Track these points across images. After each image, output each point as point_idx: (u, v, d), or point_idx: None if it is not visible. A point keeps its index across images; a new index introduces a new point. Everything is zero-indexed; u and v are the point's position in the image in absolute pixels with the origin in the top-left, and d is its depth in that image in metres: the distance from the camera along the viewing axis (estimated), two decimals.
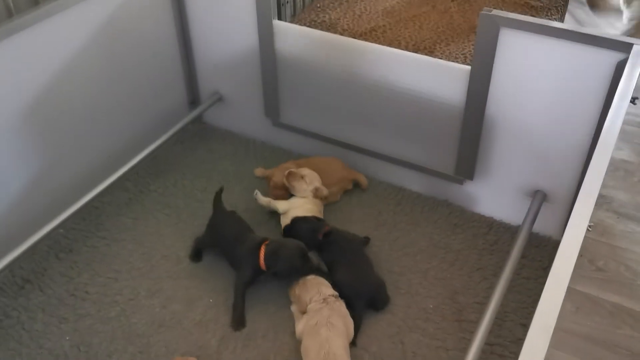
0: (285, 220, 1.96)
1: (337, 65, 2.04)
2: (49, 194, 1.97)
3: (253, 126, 2.43)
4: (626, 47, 1.56)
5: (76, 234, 2.01)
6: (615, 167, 2.39)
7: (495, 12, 1.69)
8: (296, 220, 1.90)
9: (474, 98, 1.83)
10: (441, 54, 2.30)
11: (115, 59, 2.09)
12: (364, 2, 2.72)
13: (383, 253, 1.91)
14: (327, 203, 2.10)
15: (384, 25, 2.51)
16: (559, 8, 2.77)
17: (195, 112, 2.38)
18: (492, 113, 1.85)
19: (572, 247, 1.04)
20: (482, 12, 1.69)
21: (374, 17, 2.59)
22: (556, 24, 1.65)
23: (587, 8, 3.66)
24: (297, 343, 1.65)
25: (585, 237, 1.09)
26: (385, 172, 2.20)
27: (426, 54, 2.25)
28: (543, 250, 1.93)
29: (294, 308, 1.74)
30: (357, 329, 1.68)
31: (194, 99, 2.50)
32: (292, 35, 2.09)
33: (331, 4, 2.71)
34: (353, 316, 1.69)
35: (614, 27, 3.40)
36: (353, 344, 1.64)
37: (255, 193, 2.03)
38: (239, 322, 1.72)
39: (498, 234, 1.99)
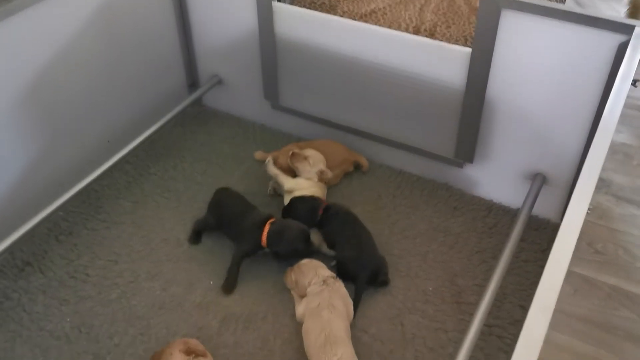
0: (288, 199, 1.96)
1: (336, 47, 2.03)
2: (48, 177, 1.97)
3: (252, 109, 2.42)
4: (628, 29, 1.55)
5: (76, 217, 2.01)
6: (614, 150, 2.39)
7: None
8: (294, 200, 1.90)
9: (475, 80, 1.83)
10: (442, 36, 2.28)
11: (113, 42, 2.07)
12: None
13: (382, 236, 1.91)
14: (328, 186, 2.10)
15: (384, 7, 2.49)
16: None
17: (194, 95, 2.37)
18: (492, 96, 1.84)
19: (572, 230, 1.04)
20: None
21: None
22: (557, 6, 1.64)
23: None
24: (297, 325, 1.67)
25: (584, 220, 1.09)
26: (385, 155, 2.20)
27: (426, 36, 2.23)
28: (542, 233, 1.94)
29: (295, 294, 1.75)
30: (357, 303, 1.69)
31: (193, 82, 2.49)
32: (291, 17, 2.07)
33: None
34: (356, 290, 1.70)
35: (615, 9, 3.38)
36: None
37: (267, 160, 2.03)
38: (229, 286, 1.76)
39: (497, 216, 2.00)
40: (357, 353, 1.55)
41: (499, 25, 1.70)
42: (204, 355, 1.51)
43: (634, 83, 1.53)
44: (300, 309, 1.67)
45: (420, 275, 1.82)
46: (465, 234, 1.94)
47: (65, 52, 1.91)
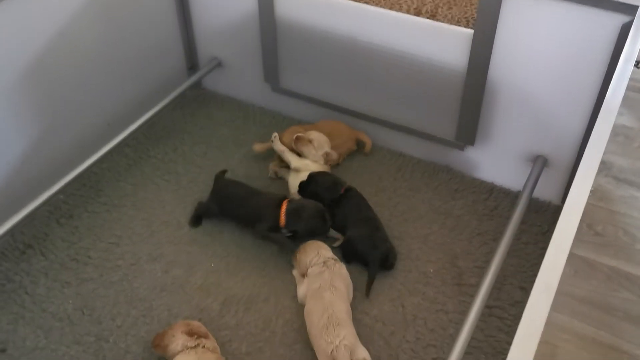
0: (295, 180, 1.95)
1: (337, 29, 2.01)
2: (48, 160, 1.96)
3: (252, 92, 2.41)
4: (631, 10, 1.53)
5: (76, 200, 2.01)
6: (615, 132, 2.38)
7: None
8: (313, 175, 1.90)
9: (477, 62, 1.82)
10: (443, 17, 2.27)
11: (112, 24, 2.06)
12: None
13: (383, 219, 1.91)
14: (331, 165, 2.10)
15: None
16: None
17: (194, 78, 2.36)
18: (494, 77, 1.84)
19: (575, 211, 1.04)
20: None
21: None
22: None
23: None
24: (299, 306, 1.67)
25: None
26: (386, 138, 2.19)
27: (428, 18, 2.22)
28: (542, 216, 1.94)
29: (295, 272, 1.76)
30: (370, 283, 1.71)
31: (192, 65, 2.47)
32: None
33: None
34: (370, 271, 1.72)
35: None
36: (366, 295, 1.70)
37: (273, 136, 2.03)
38: (285, 244, 1.78)
39: (498, 199, 2.00)
40: (359, 334, 1.56)
41: (501, 7, 1.69)
42: (206, 337, 1.52)
43: (636, 64, 1.52)
44: (301, 290, 1.68)
45: (421, 257, 1.82)
46: (466, 216, 1.95)
47: (64, 34, 1.89)
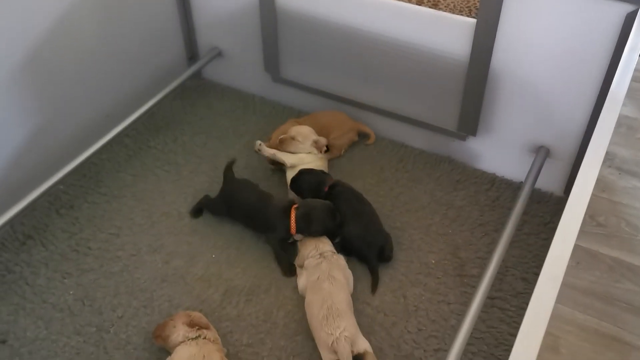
0: (292, 175, 1.94)
1: (338, 18, 1.99)
2: (47, 151, 1.95)
3: (253, 82, 2.39)
4: None
5: (76, 191, 2.00)
6: (618, 123, 2.37)
7: None
8: (302, 172, 1.89)
9: (479, 52, 1.80)
10: (445, 6, 2.25)
11: (111, 14, 2.04)
12: None
13: (385, 209, 1.91)
14: (331, 158, 2.09)
15: None
16: None
17: (194, 68, 2.34)
18: (497, 67, 1.82)
19: (580, 203, 1.03)
20: None
21: None
22: None
23: None
24: (300, 297, 1.67)
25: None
26: (387, 129, 2.18)
27: (430, 7, 2.20)
28: (544, 206, 1.93)
29: (296, 265, 1.75)
30: (376, 281, 1.70)
31: (192, 54, 2.46)
32: None
33: None
34: (370, 269, 1.72)
35: None
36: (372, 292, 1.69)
37: (258, 144, 1.98)
38: (287, 270, 1.74)
39: (500, 190, 1.99)
40: (360, 325, 1.56)
41: None
42: (207, 328, 1.51)
43: None
44: (301, 282, 1.68)
45: (422, 248, 1.81)
46: (468, 207, 1.94)
47: (62, 24, 1.87)
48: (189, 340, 1.46)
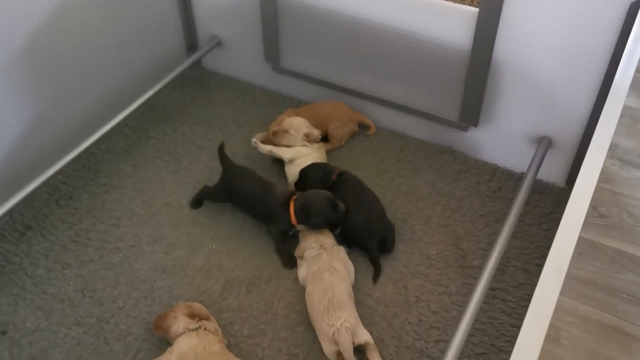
0: (291, 169, 1.93)
1: (339, 7, 1.97)
2: (46, 141, 1.94)
3: (253, 71, 2.37)
4: None
5: (76, 181, 1.99)
6: (620, 113, 2.35)
7: None
8: (307, 167, 1.87)
9: (481, 41, 1.79)
10: None
11: (110, 2, 2.02)
12: None
13: (386, 200, 1.90)
14: (331, 149, 2.08)
15: None
16: None
17: (193, 57, 2.32)
18: (499, 57, 1.81)
19: (584, 195, 1.03)
20: None
21: None
22: None
23: None
24: (301, 288, 1.67)
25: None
26: (388, 119, 2.17)
27: None
28: (546, 197, 1.92)
29: (296, 255, 1.75)
30: (378, 271, 1.70)
31: (192, 44, 2.44)
32: None
33: None
34: (371, 259, 1.71)
35: None
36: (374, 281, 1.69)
37: (254, 142, 1.97)
38: (287, 262, 1.73)
39: (501, 180, 1.98)
40: (361, 316, 1.55)
41: None
42: (207, 319, 1.51)
43: None
44: (301, 273, 1.67)
45: (423, 239, 1.81)
46: (469, 198, 1.93)
47: (61, 13, 1.85)
48: (189, 331, 1.46)
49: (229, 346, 1.53)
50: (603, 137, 1.13)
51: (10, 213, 1.73)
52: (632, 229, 1.91)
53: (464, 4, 2.02)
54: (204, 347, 1.43)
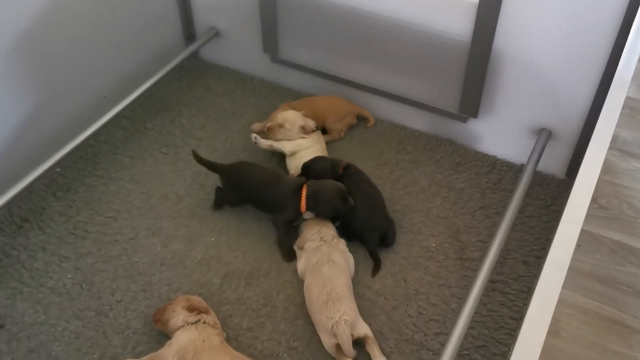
0: (293, 162, 1.92)
1: None
2: (43, 133, 1.92)
3: (251, 62, 2.36)
4: None
5: (73, 173, 1.98)
6: None
7: None
8: (313, 160, 1.85)
9: (482, 32, 1.77)
10: None
11: None
12: None
13: (385, 192, 1.89)
14: (330, 141, 2.07)
15: None
16: None
17: (191, 48, 2.31)
18: (499, 48, 1.79)
19: (586, 187, 1.02)
20: None
21: None
22: None
23: None
24: (300, 281, 1.66)
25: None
26: (387, 110, 2.15)
27: None
28: (546, 189, 1.92)
29: (296, 247, 1.74)
30: (378, 265, 1.69)
31: (189, 34, 2.42)
32: None
33: None
34: (370, 253, 1.71)
35: None
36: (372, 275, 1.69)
37: (254, 137, 1.95)
38: (287, 255, 1.72)
39: (501, 172, 1.97)
40: (361, 309, 1.55)
41: None
42: (206, 312, 1.50)
43: None
44: (300, 264, 1.67)
45: (423, 231, 1.80)
46: (469, 189, 1.92)
47: (57, 5, 1.83)
48: (188, 324, 1.46)
49: (228, 339, 1.52)
50: (605, 130, 1.12)
51: (7, 205, 1.72)
52: (632, 221, 1.91)
53: None
54: (203, 340, 1.42)
